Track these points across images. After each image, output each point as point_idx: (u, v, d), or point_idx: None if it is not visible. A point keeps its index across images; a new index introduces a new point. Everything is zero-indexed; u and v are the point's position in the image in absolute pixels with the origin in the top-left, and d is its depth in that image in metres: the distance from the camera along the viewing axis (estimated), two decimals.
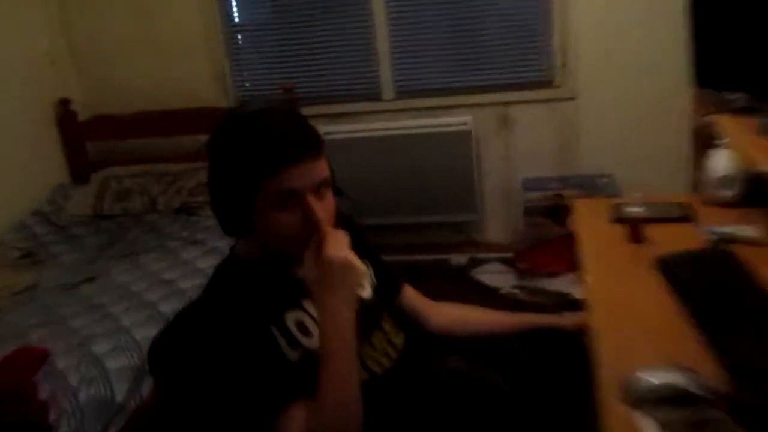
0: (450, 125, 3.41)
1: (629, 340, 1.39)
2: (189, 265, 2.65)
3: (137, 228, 3.10)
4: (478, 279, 3.49)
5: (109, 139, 3.72)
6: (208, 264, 2.64)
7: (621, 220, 1.89)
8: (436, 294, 3.36)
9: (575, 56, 3.34)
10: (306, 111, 3.48)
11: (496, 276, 3.49)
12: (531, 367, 1.70)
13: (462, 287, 3.45)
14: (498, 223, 3.64)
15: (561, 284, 3.23)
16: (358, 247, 1.40)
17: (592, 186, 3.33)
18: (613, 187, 3.30)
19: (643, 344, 1.36)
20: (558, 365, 1.69)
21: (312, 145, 1.32)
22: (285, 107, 1.39)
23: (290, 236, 1.32)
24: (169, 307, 2.36)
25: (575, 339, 1.69)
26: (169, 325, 1.39)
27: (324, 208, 1.34)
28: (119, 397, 1.98)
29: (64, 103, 3.62)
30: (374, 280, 1.61)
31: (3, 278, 2.61)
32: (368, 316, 1.50)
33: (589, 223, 1.97)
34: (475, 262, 3.61)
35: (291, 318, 1.37)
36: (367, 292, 1.54)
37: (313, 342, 1.37)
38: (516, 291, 3.14)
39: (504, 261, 3.56)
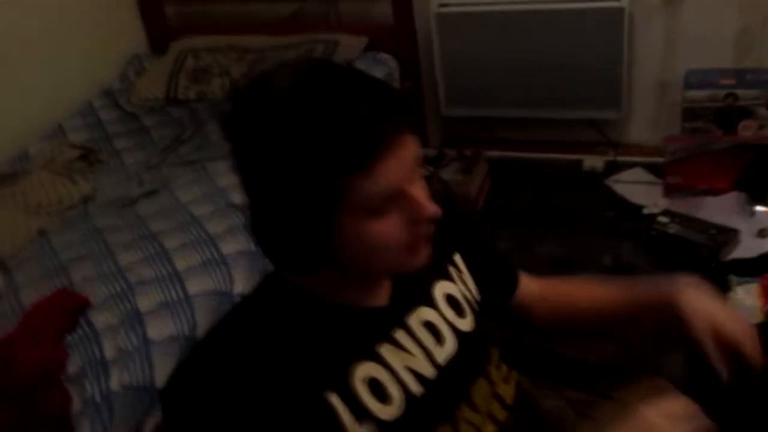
0: (598, 0, 2.67)
1: None
2: None
3: (213, 121, 2.63)
4: (615, 190, 2.88)
5: (192, 2, 3.20)
6: None
7: None
8: (562, 204, 2.86)
9: None
10: None
11: (637, 188, 2.87)
12: None
13: (594, 197, 2.88)
14: (645, 125, 2.95)
15: (720, 209, 2.59)
16: (461, 240, 1.12)
17: None
18: None
19: None
20: None
21: (404, 113, 0.85)
22: (335, 65, 0.88)
23: (392, 249, 0.88)
24: (233, 247, 1.93)
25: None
26: (191, 359, 0.95)
27: (423, 193, 0.88)
28: (160, 381, 1.61)
29: None
30: (476, 296, 1.11)
31: (55, 188, 2.24)
32: (468, 357, 1.04)
33: None
34: (613, 168, 2.98)
35: (360, 375, 0.92)
36: (467, 323, 1.06)
37: (391, 410, 0.93)
38: (664, 220, 2.52)
39: (649, 168, 2.92)
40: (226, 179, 2.23)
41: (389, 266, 0.92)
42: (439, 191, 2.85)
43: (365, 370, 0.92)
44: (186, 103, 2.78)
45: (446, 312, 1.04)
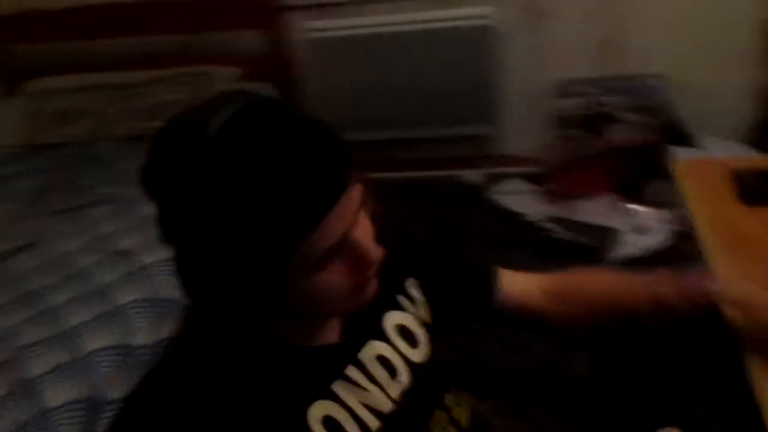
0: (466, 18, 2.73)
1: None
2: (152, 227, 2.04)
3: (83, 164, 2.47)
4: (499, 201, 2.95)
5: (41, 42, 2.99)
6: None
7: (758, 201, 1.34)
8: (449, 219, 2.89)
9: None
10: (284, 0, 2.82)
11: (519, 198, 2.94)
12: None
13: (479, 210, 2.92)
14: (522, 137, 3.03)
15: (599, 211, 2.71)
16: (411, 266, 1.07)
17: (638, 90, 2.74)
18: (663, 90, 2.72)
19: None
20: None
21: (347, 161, 0.80)
22: (268, 105, 0.79)
23: (340, 295, 0.84)
24: (129, 296, 1.80)
25: None
26: (128, 414, 0.88)
27: (368, 232, 0.86)
28: None
29: None
30: (427, 316, 1.07)
31: None
32: (424, 388, 1.00)
33: (707, 203, 1.40)
34: (494, 180, 3.05)
35: (316, 415, 0.87)
36: (420, 353, 1.03)
37: None
38: (549, 225, 2.60)
39: (527, 178, 3.01)
40: (110, 225, 2.09)
41: (338, 309, 0.89)
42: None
43: (321, 410, 0.88)
44: (50, 148, 2.59)
45: (398, 344, 1.01)
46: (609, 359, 2.02)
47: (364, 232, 0.83)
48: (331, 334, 0.95)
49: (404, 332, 1.02)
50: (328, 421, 0.87)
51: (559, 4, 2.75)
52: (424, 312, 1.08)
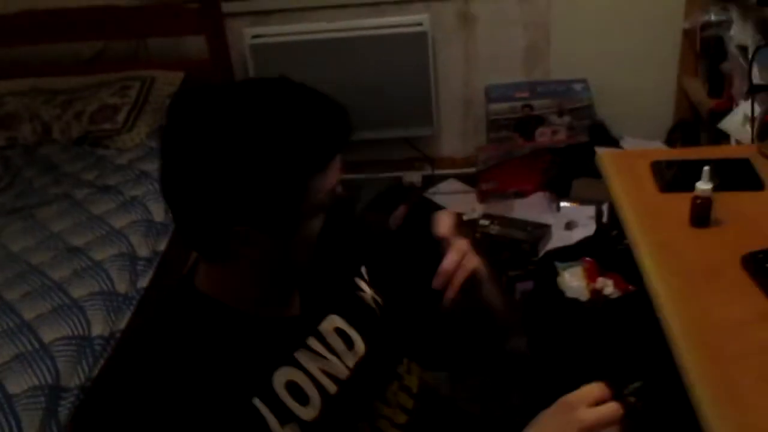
0: (402, 26, 2.86)
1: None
2: (102, 224, 2.11)
3: (30, 166, 2.50)
4: (435, 201, 3.08)
5: None
6: (125, 222, 2.12)
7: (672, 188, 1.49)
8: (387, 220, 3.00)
9: None
10: (226, 7, 2.90)
11: (454, 197, 3.08)
12: None
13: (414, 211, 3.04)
14: (455, 138, 3.18)
15: (530, 208, 2.87)
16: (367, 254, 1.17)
17: (564, 93, 2.91)
18: (588, 94, 2.90)
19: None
20: None
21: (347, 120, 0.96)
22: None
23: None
24: (84, 290, 1.85)
25: None
26: (126, 386, 0.95)
27: None
28: None
29: None
30: (381, 302, 1.18)
31: None
32: (377, 358, 1.11)
33: (630, 191, 1.54)
34: (431, 181, 3.18)
35: (280, 380, 0.96)
36: (374, 327, 1.13)
37: (311, 411, 0.97)
38: (485, 222, 2.74)
39: (462, 178, 3.15)
40: (60, 224, 2.13)
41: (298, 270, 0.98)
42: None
43: (285, 375, 0.97)
44: None
45: (354, 318, 1.10)
46: (544, 343, 2.16)
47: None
48: (293, 307, 1.04)
49: (360, 308, 1.12)
50: (291, 385, 0.96)
51: (489, 12, 2.90)
52: (377, 295, 1.18)
